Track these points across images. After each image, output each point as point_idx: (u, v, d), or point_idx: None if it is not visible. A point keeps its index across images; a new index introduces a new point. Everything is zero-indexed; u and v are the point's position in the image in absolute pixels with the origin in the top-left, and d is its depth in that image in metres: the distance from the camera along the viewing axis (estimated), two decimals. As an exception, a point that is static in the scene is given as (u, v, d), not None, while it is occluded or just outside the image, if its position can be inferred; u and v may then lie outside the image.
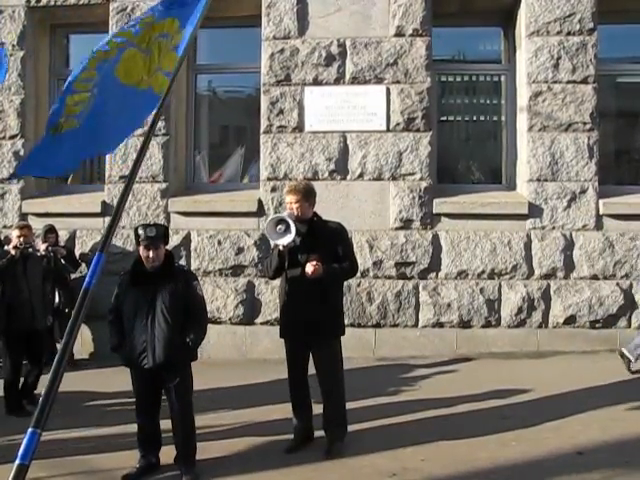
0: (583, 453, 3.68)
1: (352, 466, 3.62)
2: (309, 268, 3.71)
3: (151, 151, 6.59)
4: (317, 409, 3.96)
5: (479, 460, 3.64)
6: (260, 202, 6.53)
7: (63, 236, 6.65)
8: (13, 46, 6.91)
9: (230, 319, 6.48)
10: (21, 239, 4.94)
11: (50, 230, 6.27)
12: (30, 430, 2.36)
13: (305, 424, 3.94)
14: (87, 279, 2.69)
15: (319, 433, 3.93)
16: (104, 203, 6.73)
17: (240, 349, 6.48)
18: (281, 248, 3.78)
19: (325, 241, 3.84)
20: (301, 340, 3.88)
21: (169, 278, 3.58)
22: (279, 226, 3.73)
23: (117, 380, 5.45)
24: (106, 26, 6.75)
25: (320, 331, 3.81)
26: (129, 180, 2.94)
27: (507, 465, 3.58)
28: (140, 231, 3.56)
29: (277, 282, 6.35)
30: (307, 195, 3.90)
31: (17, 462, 2.30)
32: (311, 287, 3.75)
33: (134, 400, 3.68)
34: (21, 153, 6.92)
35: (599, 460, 3.57)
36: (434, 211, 6.38)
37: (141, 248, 3.57)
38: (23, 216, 6.82)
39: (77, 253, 6.64)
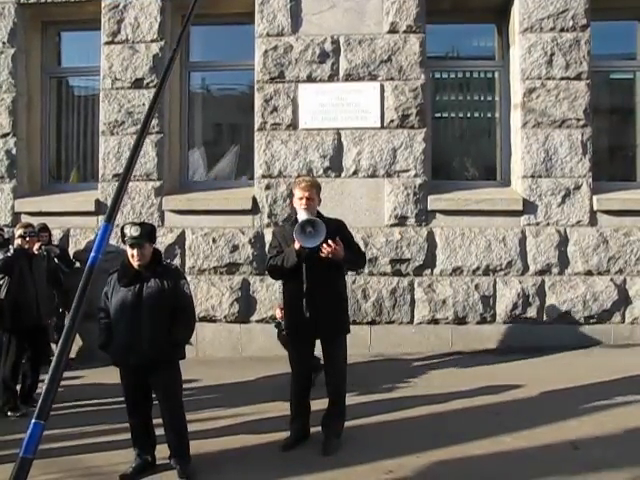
0: (579, 448, 3.69)
1: (348, 463, 3.61)
2: (324, 249, 3.60)
3: (145, 149, 6.57)
4: (313, 406, 3.96)
5: (474, 456, 3.65)
6: (255, 200, 6.52)
7: (57, 235, 6.63)
8: (4, 43, 6.88)
9: (225, 317, 6.46)
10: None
11: (43, 229, 6.22)
12: (33, 422, 2.25)
13: (303, 422, 3.94)
14: (92, 254, 2.51)
15: (315, 430, 3.92)
16: (98, 202, 6.70)
17: (235, 347, 6.46)
18: (297, 248, 3.68)
19: (331, 237, 3.75)
20: (308, 339, 3.86)
21: (156, 276, 3.58)
22: (309, 228, 3.64)
23: (110, 378, 5.44)
24: (98, 24, 6.73)
25: (329, 330, 3.79)
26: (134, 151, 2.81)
27: (502, 461, 3.59)
28: (125, 230, 3.57)
29: (272, 280, 6.35)
30: (318, 191, 3.88)
31: (20, 455, 2.19)
32: (319, 286, 3.71)
33: (124, 399, 3.67)
34: (13, 152, 6.88)
35: (594, 455, 3.59)
36: (429, 208, 6.39)
37: (127, 247, 3.57)
38: (16, 215, 6.78)
39: (71, 252, 6.61)
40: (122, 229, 3.61)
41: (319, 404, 3.92)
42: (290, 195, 6.16)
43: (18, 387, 5.02)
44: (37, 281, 5.06)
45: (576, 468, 3.42)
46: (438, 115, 7.20)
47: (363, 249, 6.23)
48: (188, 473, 3.50)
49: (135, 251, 3.53)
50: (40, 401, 2.30)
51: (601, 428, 4.00)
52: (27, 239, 5.01)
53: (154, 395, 3.65)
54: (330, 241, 3.62)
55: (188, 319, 3.67)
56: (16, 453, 2.23)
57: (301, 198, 3.81)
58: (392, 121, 6.41)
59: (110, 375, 5.52)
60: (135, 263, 3.56)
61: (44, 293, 5.15)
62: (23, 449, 2.21)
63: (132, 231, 3.53)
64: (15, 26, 6.89)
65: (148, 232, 3.62)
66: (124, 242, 3.59)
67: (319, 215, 3.90)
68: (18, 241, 5.03)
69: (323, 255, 3.62)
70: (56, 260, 6.22)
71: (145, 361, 3.48)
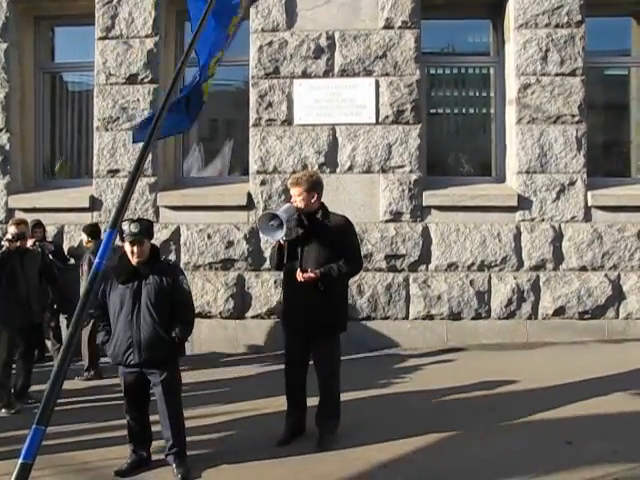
0: (572, 443, 3.71)
1: (343, 458, 3.62)
2: (299, 276, 3.69)
3: (139, 145, 6.53)
4: (310, 402, 3.96)
5: (469, 451, 3.66)
6: (249, 195, 6.50)
7: (51, 231, 6.59)
8: (-4, 38, 6.83)
9: (220, 313, 6.46)
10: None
11: (37, 225, 6.19)
12: (34, 427, 2.26)
13: (299, 417, 3.94)
14: (97, 260, 2.51)
15: (310, 425, 3.93)
16: (92, 198, 6.67)
17: (231, 343, 6.46)
18: (281, 242, 3.75)
19: (327, 235, 3.78)
20: (300, 334, 3.86)
21: (155, 273, 3.56)
22: (272, 221, 3.68)
23: (105, 375, 5.44)
24: (91, 18, 6.69)
25: (319, 328, 3.78)
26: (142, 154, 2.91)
27: (497, 455, 3.61)
28: (124, 227, 3.52)
29: (267, 276, 6.41)
30: (310, 187, 3.81)
31: (20, 460, 2.21)
32: (307, 283, 3.71)
33: (123, 395, 3.66)
34: (6, 148, 6.84)
35: (588, 449, 3.60)
36: (424, 203, 6.39)
37: (126, 244, 3.54)
38: (10, 211, 6.75)
39: (65, 248, 6.58)
40: (120, 226, 3.57)
41: (317, 400, 3.92)
42: (285, 191, 6.17)
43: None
44: (29, 278, 4.99)
45: (569, 463, 3.44)
46: (433, 111, 7.21)
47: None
48: (184, 469, 3.50)
49: (135, 248, 3.50)
50: (41, 406, 2.29)
51: (595, 422, 4.02)
52: (17, 242, 4.94)
53: (152, 391, 3.64)
54: (299, 273, 3.69)
55: (188, 315, 3.65)
56: (11, 450, 2.23)
57: (291, 195, 3.87)
58: (387, 117, 6.41)
59: (104, 371, 5.52)
60: (134, 260, 3.53)
61: (36, 290, 5.06)
62: (23, 454, 2.22)
63: (132, 228, 3.49)
64: (7, 20, 6.85)
65: (147, 228, 3.60)
66: (122, 239, 3.56)
67: (323, 210, 3.88)
68: (5, 243, 4.96)
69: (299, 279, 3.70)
70: (50, 256, 6.18)
71: (143, 359, 3.47)
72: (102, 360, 5.50)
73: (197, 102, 3.86)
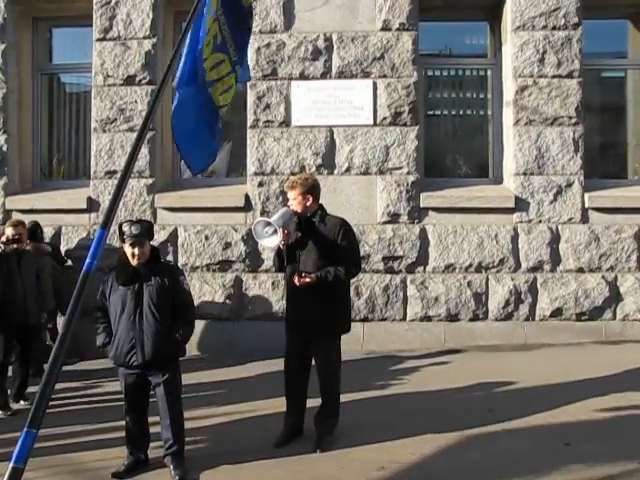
0: (570, 444, 3.71)
1: (341, 459, 3.62)
2: (295, 280, 3.69)
3: (137, 146, 6.53)
4: (309, 403, 3.96)
5: (467, 452, 3.66)
6: (247, 197, 6.50)
7: (48, 233, 6.58)
8: (-6, 39, 6.83)
9: (218, 314, 6.45)
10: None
11: (34, 227, 6.18)
12: (25, 430, 2.23)
13: (297, 418, 3.93)
14: (87, 260, 2.49)
15: (308, 426, 3.92)
16: (90, 199, 6.67)
17: (229, 344, 6.45)
18: (280, 246, 3.77)
19: (325, 238, 3.79)
20: (301, 336, 3.87)
21: (155, 274, 3.55)
22: (267, 228, 3.70)
23: (101, 376, 5.42)
24: (89, 20, 6.69)
25: (319, 330, 3.79)
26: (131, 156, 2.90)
27: (495, 456, 3.61)
28: (125, 228, 3.50)
29: (265, 277, 6.41)
30: (306, 190, 3.82)
31: (11, 464, 2.18)
32: (305, 285, 3.71)
33: (122, 397, 3.65)
34: (4, 149, 6.83)
35: (585, 451, 3.61)
36: (421, 205, 6.40)
37: (126, 245, 3.52)
38: (7, 213, 6.73)
39: (63, 250, 6.57)
40: (120, 227, 3.55)
41: (317, 401, 3.92)
42: (282, 192, 6.17)
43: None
44: (26, 280, 4.97)
45: (567, 463, 3.44)
46: (431, 113, 7.22)
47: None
48: (181, 471, 3.48)
49: (136, 249, 3.48)
50: (32, 409, 2.26)
51: (593, 423, 4.03)
52: (15, 245, 4.92)
53: (152, 392, 3.63)
54: (296, 277, 3.69)
55: (188, 316, 3.66)
56: (5, 453, 2.21)
57: (288, 198, 3.90)
58: (385, 118, 6.42)
59: (100, 373, 5.50)
60: (135, 261, 3.51)
61: (33, 292, 5.04)
62: (14, 458, 2.19)
63: (133, 229, 3.47)
64: (5, 22, 6.85)
65: (147, 229, 3.58)
66: (123, 241, 3.54)
67: (321, 213, 3.88)
68: (1, 245, 4.96)
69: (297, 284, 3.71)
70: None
71: (147, 360, 3.47)
72: (101, 361, 5.49)
73: (212, 110, 3.78)
